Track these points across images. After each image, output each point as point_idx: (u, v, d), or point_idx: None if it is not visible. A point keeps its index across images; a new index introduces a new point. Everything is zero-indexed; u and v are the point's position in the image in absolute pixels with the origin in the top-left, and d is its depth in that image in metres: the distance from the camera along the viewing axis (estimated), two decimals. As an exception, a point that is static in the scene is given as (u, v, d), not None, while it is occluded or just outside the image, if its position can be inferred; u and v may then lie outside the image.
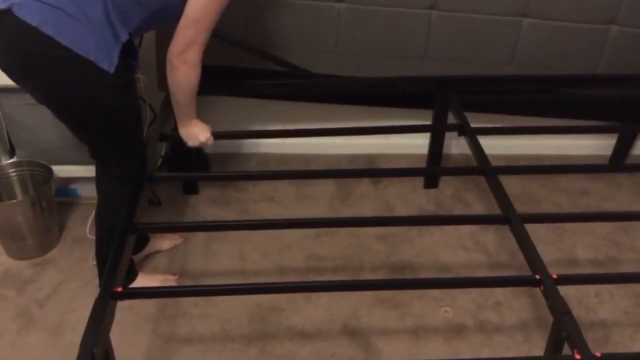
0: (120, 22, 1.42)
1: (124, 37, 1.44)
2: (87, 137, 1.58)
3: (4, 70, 1.47)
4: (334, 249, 2.04)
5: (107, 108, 1.48)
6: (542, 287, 1.36)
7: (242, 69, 2.08)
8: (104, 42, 1.40)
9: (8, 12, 1.35)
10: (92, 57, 1.38)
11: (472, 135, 1.89)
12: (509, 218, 1.56)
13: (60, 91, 1.45)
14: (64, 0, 1.35)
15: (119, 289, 1.32)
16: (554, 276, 1.37)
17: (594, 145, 2.54)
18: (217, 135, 2.44)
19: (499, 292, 1.86)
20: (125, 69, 1.47)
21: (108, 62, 1.40)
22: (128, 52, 1.49)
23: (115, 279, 1.33)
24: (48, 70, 1.41)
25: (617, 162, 2.51)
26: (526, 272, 1.44)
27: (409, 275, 1.94)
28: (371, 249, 2.04)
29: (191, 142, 1.80)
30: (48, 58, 1.38)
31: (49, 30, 1.34)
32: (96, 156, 1.63)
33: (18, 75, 1.46)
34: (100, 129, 1.53)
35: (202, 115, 2.35)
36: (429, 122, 2.25)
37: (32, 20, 1.33)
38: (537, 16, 2.07)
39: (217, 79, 2.16)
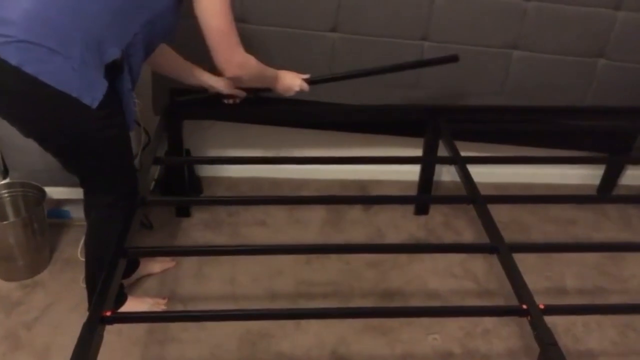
0: (103, 49, 1.38)
1: (113, 55, 1.40)
2: (75, 169, 1.57)
3: None
4: (324, 275, 2.04)
5: (93, 140, 1.46)
6: (529, 317, 1.37)
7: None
8: (86, 76, 1.36)
9: None
10: (74, 93, 1.35)
11: (462, 164, 1.92)
12: (497, 247, 1.58)
13: (45, 128, 1.43)
14: (46, 35, 1.32)
15: (108, 313, 1.32)
16: (541, 306, 1.38)
17: (583, 175, 2.58)
18: (208, 161, 2.48)
19: (488, 320, 1.87)
20: (111, 99, 1.44)
21: (90, 97, 1.37)
22: (116, 76, 1.46)
23: (104, 303, 1.33)
24: (32, 109, 1.39)
25: (605, 192, 2.54)
26: (515, 300, 1.45)
27: (398, 302, 1.95)
28: (361, 275, 2.04)
29: (288, 94, 1.88)
30: (30, 97, 1.36)
31: (29, 69, 1.31)
32: (85, 185, 1.61)
33: (4, 114, 1.44)
34: (88, 160, 1.52)
35: (196, 138, 2.40)
36: (420, 149, 2.28)
37: (12, 60, 1.30)
38: (527, 49, 2.11)
39: (210, 105, 2.18)
